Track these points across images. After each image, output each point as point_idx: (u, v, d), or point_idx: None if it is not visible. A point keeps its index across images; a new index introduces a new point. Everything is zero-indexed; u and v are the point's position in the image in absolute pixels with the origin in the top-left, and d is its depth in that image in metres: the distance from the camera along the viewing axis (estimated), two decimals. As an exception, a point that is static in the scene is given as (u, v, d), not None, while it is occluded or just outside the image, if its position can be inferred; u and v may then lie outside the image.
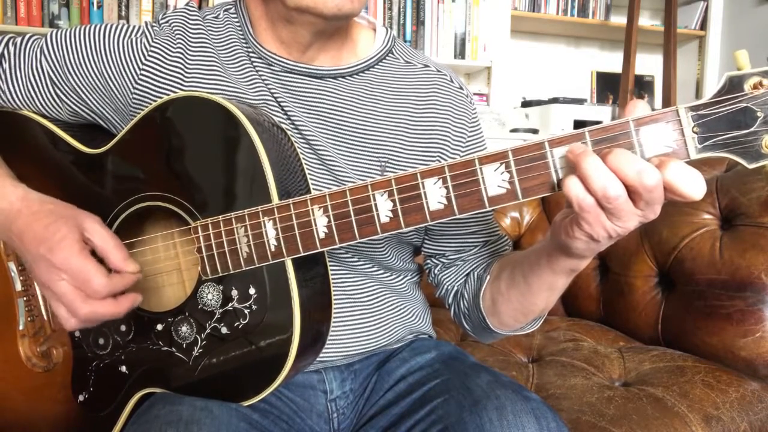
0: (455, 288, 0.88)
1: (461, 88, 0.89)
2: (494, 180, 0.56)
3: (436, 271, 0.90)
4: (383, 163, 0.82)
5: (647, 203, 0.52)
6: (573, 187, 0.52)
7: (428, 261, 0.92)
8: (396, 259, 0.87)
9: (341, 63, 0.84)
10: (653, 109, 0.53)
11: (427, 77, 0.87)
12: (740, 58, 0.50)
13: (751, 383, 1.07)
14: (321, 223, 0.63)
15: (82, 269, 0.66)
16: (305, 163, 0.73)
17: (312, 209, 0.63)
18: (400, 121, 0.83)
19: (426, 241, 0.89)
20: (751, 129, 0.50)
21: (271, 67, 0.80)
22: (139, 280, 0.71)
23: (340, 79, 0.83)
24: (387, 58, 0.87)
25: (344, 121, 0.81)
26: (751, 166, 0.51)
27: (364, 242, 0.81)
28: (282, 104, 0.79)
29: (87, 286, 0.66)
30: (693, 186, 0.50)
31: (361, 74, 0.84)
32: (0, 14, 2.28)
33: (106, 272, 0.67)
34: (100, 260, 0.68)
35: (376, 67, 0.85)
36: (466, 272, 0.87)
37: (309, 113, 0.80)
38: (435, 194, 0.58)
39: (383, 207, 0.61)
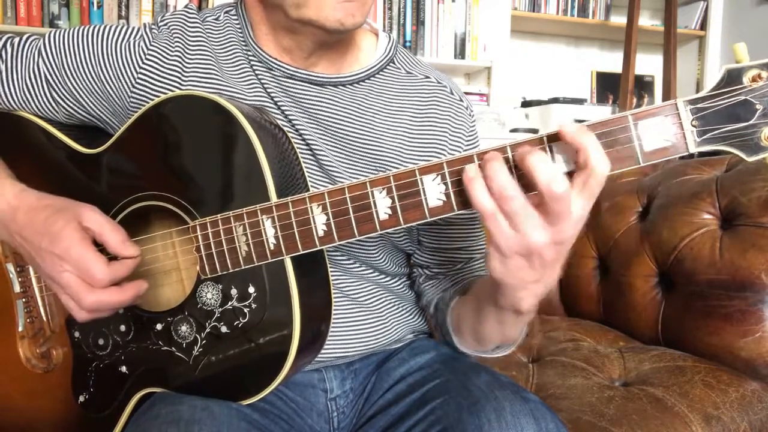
0: (435, 300, 0.89)
1: (461, 100, 0.89)
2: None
3: (420, 281, 0.92)
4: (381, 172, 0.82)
5: (554, 216, 0.53)
6: (474, 192, 0.55)
7: (415, 270, 0.93)
8: (391, 263, 0.87)
9: (343, 70, 0.84)
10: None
11: (427, 88, 0.87)
12: (738, 50, 0.50)
13: (751, 383, 1.07)
14: (320, 221, 0.63)
15: (81, 258, 0.66)
16: (304, 167, 0.73)
17: (311, 207, 0.63)
18: (399, 131, 0.83)
19: (417, 251, 0.90)
20: (750, 121, 0.50)
21: (272, 72, 0.80)
22: (141, 267, 0.70)
23: (340, 87, 0.82)
24: (388, 67, 0.87)
25: (343, 128, 0.81)
26: (751, 159, 0.51)
27: (359, 247, 0.82)
28: (282, 107, 0.79)
29: (88, 275, 0.66)
30: (547, 173, 0.52)
31: (361, 83, 0.84)
32: (0, 14, 2.28)
33: (105, 260, 0.67)
34: (103, 250, 0.68)
35: (377, 76, 0.85)
36: (444, 288, 0.88)
37: (309, 119, 0.80)
38: (434, 191, 0.58)
39: (382, 204, 0.60)
